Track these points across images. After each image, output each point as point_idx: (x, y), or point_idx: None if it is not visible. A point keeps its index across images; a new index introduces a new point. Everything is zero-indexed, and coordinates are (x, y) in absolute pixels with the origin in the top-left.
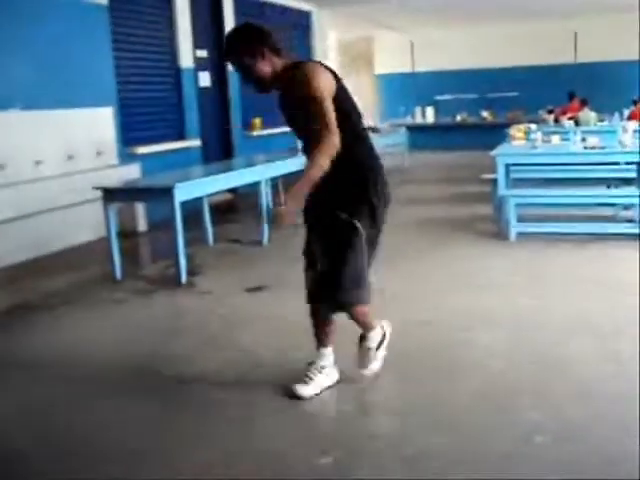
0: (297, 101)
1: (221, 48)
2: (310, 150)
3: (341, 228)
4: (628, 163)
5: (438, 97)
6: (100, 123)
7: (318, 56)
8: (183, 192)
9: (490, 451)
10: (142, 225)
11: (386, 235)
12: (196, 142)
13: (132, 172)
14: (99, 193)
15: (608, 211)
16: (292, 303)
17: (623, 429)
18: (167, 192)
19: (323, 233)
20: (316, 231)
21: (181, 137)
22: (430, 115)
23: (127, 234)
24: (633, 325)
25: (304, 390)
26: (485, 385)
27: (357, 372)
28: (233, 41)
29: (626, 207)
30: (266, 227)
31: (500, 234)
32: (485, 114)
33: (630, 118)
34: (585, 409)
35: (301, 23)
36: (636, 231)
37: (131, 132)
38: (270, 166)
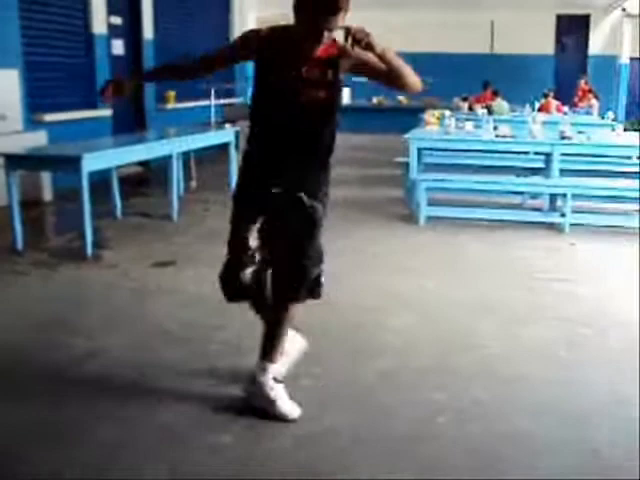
0: (360, 61)
1: (136, 15)
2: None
3: (307, 214)
4: (537, 153)
5: (354, 79)
6: (3, 86)
7: (236, 31)
8: (91, 162)
9: (392, 431)
10: (47, 195)
11: None
12: (107, 112)
13: (38, 139)
14: (1, 160)
15: (516, 199)
16: (199, 278)
17: (521, 409)
18: (74, 162)
19: (287, 219)
20: (277, 217)
21: (91, 106)
22: (346, 96)
23: (31, 204)
24: (537, 309)
25: (292, 412)
26: (391, 366)
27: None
28: None
29: (533, 196)
30: (176, 202)
31: (410, 217)
32: (401, 98)
33: (540, 110)
34: (487, 390)
35: None
36: (542, 219)
37: (38, 98)
38: (182, 140)
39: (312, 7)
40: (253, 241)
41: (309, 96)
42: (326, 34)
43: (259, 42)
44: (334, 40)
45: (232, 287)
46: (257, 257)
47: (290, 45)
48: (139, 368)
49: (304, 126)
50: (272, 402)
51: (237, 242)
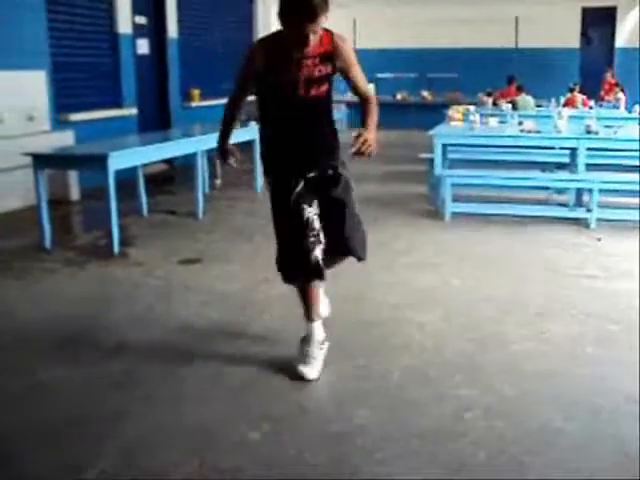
0: (345, 65)
1: (161, 15)
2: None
3: (345, 184)
4: (562, 148)
5: (379, 75)
6: (31, 87)
7: (260, 27)
8: (117, 161)
9: (419, 427)
10: (74, 194)
11: None
12: (132, 111)
13: (65, 139)
14: (29, 159)
15: (542, 194)
16: (225, 275)
17: (550, 405)
18: (101, 160)
19: (333, 193)
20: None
21: (117, 105)
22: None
23: (59, 202)
24: (563, 305)
25: (310, 372)
26: (417, 362)
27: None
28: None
29: (559, 191)
30: (201, 199)
31: (435, 214)
32: (425, 94)
33: (566, 104)
34: (515, 386)
35: None
36: (568, 215)
37: (65, 98)
38: (207, 138)
39: (292, 17)
40: (316, 222)
41: (309, 93)
42: (311, 36)
43: (259, 55)
44: (331, 37)
45: (298, 270)
46: (321, 236)
47: (285, 48)
48: (166, 364)
49: (311, 117)
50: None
51: (296, 227)
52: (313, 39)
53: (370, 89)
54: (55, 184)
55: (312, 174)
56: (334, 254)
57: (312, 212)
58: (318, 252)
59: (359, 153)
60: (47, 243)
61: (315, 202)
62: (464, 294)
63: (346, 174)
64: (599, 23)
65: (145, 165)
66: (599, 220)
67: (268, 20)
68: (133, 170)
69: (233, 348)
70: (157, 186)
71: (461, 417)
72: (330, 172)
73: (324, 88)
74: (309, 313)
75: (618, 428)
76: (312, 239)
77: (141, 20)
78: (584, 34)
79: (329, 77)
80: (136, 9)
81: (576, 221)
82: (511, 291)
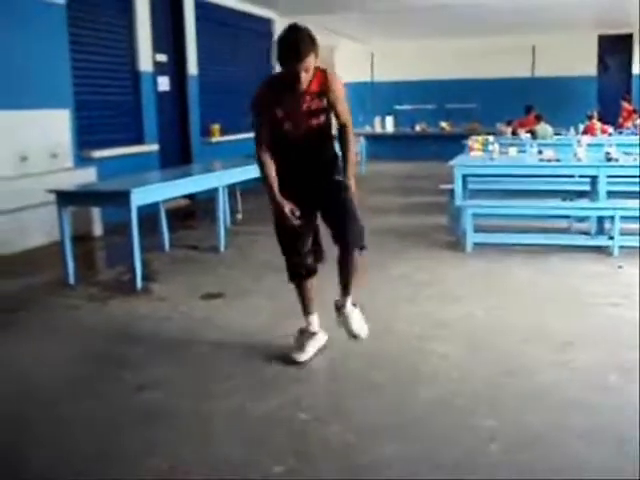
0: (332, 99)
1: (181, 53)
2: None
3: (341, 185)
4: (582, 176)
5: (397, 107)
6: (55, 125)
7: (278, 64)
8: (140, 197)
9: (445, 459)
10: (97, 229)
11: None
12: (154, 147)
13: (88, 176)
14: (53, 196)
15: (563, 223)
16: (247, 310)
17: (577, 436)
18: (123, 197)
19: (334, 197)
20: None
21: (139, 141)
22: (389, 125)
23: (82, 238)
24: (588, 335)
25: (300, 356)
26: (441, 393)
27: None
28: (309, 42)
29: (580, 219)
30: (222, 234)
31: (457, 245)
32: (444, 125)
33: (585, 132)
34: (540, 416)
35: (262, 30)
36: (590, 243)
37: (87, 135)
38: (228, 173)
39: (284, 59)
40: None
41: (311, 124)
42: (303, 74)
43: (265, 93)
44: (325, 76)
45: (300, 273)
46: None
47: (285, 87)
48: (190, 399)
49: (313, 142)
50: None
51: (298, 246)
52: (305, 77)
53: (349, 120)
54: (79, 220)
55: (314, 186)
56: (340, 249)
57: (301, 223)
58: (309, 256)
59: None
60: (71, 279)
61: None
62: (488, 325)
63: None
64: (616, 50)
65: (167, 200)
66: (621, 247)
67: None
68: (155, 206)
69: (256, 382)
70: (179, 221)
71: (486, 448)
72: (334, 178)
73: (322, 119)
74: (305, 307)
75: None
76: (302, 245)
77: (162, 58)
78: (601, 61)
79: (325, 110)
80: (157, 47)
81: (598, 249)
82: (535, 321)
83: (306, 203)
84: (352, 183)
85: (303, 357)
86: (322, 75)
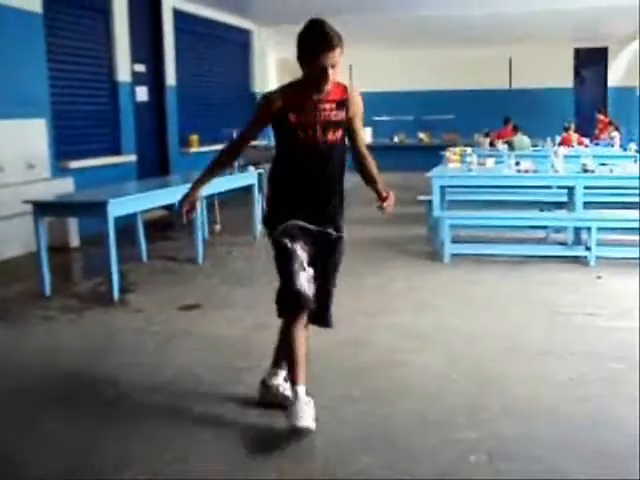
0: (354, 112)
1: (159, 63)
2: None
3: (342, 249)
4: (560, 187)
5: (376, 118)
6: (32, 135)
7: (257, 74)
8: (117, 208)
9: (424, 472)
10: (74, 240)
11: None
12: (131, 157)
13: (65, 186)
14: (29, 207)
15: (540, 233)
16: (225, 321)
17: (555, 447)
18: (100, 207)
19: (325, 249)
20: (316, 245)
21: (116, 152)
22: (368, 136)
23: (58, 249)
24: (565, 345)
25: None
26: (420, 405)
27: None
28: (337, 33)
29: (558, 230)
30: (200, 245)
31: (434, 255)
32: (422, 136)
33: (562, 143)
34: (519, 427)
35: (241, 41)
36: (567, 253)
37: (65, 145)
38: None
39: (311, 50)
40: (301, 253)
41: (328, 138)
42: (330, 71)
43: (278, 99)
44: (346, 88)
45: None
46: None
47: (304, 92)
48: (166, 413)
49: (327, 165)
50: (286, 397)
51: (283, 256)
52: (331, 75)
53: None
54: (55, 231)
55: (315, 227)
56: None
57: (297, 246)
58: (303, 280)
59: (382, 208)
60: (47, 290)
61: (307, 248)
62: (465, 335)
63: (344, 234)
64: (592, 63)
65: (144, 211)
66: (598, 258)
67: (264, 69)
68: (132, 216)
69: (234, 395)
70: (157, 232)
71: (466, 461)
72: (334, 235)
73: (339, 134)
74: (293, 373)
75: (626, 468)
76: (296, 266)
77: (140, 68)
78: (577, 74)
79: (344, 123)
80: (135, 57)
81: (575, 259)
82: (512, 331)
83: (311, 223)
84: (391, 193)
85: (305, 422)
86: (342, 87)
